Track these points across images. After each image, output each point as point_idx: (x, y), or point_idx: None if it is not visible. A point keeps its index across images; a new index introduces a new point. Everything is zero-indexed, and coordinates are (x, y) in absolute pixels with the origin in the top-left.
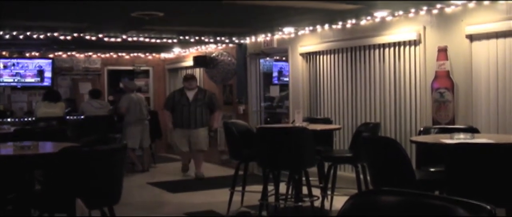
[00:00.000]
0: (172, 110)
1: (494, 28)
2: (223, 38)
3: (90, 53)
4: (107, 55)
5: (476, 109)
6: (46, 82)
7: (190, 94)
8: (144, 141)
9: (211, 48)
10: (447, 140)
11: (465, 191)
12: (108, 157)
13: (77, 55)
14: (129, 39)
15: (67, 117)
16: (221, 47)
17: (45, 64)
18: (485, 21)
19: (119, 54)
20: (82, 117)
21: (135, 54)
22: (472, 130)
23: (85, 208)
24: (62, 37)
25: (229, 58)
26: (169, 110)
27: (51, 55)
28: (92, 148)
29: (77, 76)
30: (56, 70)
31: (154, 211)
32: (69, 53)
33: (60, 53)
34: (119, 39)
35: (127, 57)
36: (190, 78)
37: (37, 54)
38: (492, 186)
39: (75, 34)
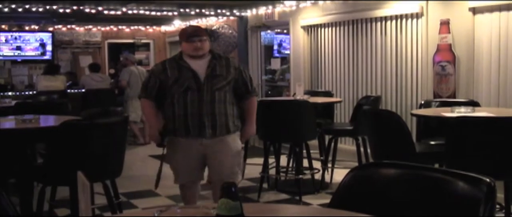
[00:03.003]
0: (158, 100)
1: (498, 1)
2: (224, 11)
3: (90, 26)
4: (107, 28)
5: (477, 83)
6: (47, 56)
7: (198, 65)
8: None
9: (212, 21)
10: (447, 113)
11: (465, 164)
12: (110, 130)
13: (77, 28)
14: (129, 11)
15: (68, 90)
16: (222, 19)
17: (46, 37)
18: None
19: (120, 27)
20: (83, 90)
21: (136, 27)
22: (473, 104)
23: (87, 181)
24: (61, 10)
25: (230, 31)
26: (151, 99)
27: (50, 28)
28: (94, 121)
29: (78, 50)
30: (56, 43)
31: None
32: (69, 26)
33: (59, 26)
34: (119, 12)
35: (127, 30)
36: (196, 33)
37: (36, 27)
38: (492, 159)
39: (75, 7)
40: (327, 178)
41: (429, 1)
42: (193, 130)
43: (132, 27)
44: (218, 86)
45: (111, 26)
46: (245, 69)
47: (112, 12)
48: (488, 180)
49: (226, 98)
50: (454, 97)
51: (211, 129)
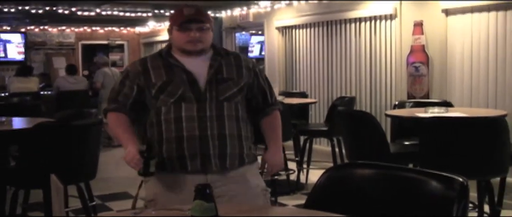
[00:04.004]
0: (134, 116)
1: (470, 3)
2: (172, 12)
3: (63, 27)
4: (81, 29)
5: (451, 83)
6: (19, 57)
7: (196, 65)
8: None
9: None
10: (421, 114)
11: (439, 164)
12: (84, 132)
13: (50, 29)
14: (103, 12)
15: (41, 92)
16: None
17: (17, 38)
18: None
19: (93, 28)
20: (56, 92)
21: (110, 28)
22: (446, 104)
23: (60, 184)
24: (34, 11)
25: None
26: (124, 113)
27: (23, 29)
28: (67, 123)
29: (51, 51)
30: (29, 44)
31: (131, 186)
32: (41, 27)
33: (32, 27)
34: (93, 13)
35: (101, 31)
36: (194, 17)
37: (8, 28)
38: (465, 159)
39: (48, 8)
40: (302, 179)
41: (402, 3)
42: (192, 162)
43: (106, 28)
44: (227, 95)
45: (85, 27)
46: (262, 71)
47: (86, 13)
48: (461, 179)
49: (239, 112)
50: (428, 98)
51: (219, 159)
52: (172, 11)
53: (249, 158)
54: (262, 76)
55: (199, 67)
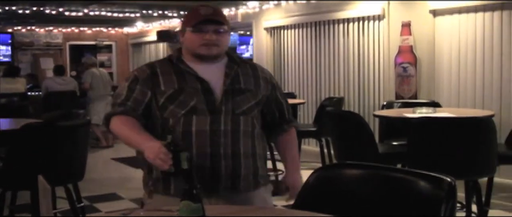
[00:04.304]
0: (144, 119)
1: (457, 4)
2: (186, 12)
3: (51, 28)
4: (69, 29)
5: (438, 84)
6: (6, 58)
7: (210, 73)
8: None
9: (174, 23)
10: (409, 114)
11: (427, 164)
12: (72, 133)
13: (37, 29)
14: (91, 13)
15: (29, 93)
16: None
17: (4, 38)
18: None
19: (81, 28)
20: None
21: (98, 29)
22: (434, 104)
23: (48, 185)
24: (21, 11)
25: None
26: (135, 116)
27: (10, 30)
28: (55, 124)
29: (38, 51)
30: (16, 45)
31: (119, 187)
32: (29, 28)
33: (19, 27)
34: (80, 13)
35: (89, 31)
36: (212, 17)
37: None
38: (453, 159)
39: (35, 8)
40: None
41: (390, 4)
42: (201, 182)
43: (94, 29)
44: (244, 108)
45: (73, 28)
46: (279, 84)
47: (74, 14)
48: (449, 179)
49: (255, 128)
50: (416, 98)
51: (231, 179)
52: (160, 12)
53: (264, 179)
54: (280, 90)
55: (214, 75)
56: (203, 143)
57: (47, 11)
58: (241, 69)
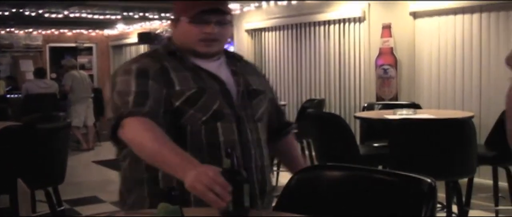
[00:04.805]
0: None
1: (437, 6)
2: (168, 14)
3: (30, 30)
4: (49, 31)
5: (419, 85)
6: None
7: (219, 71)
8: (88, 119)
9: (155, 25)
10: (390, 115)
11: (408, 165)
12: (52, 136)
13: (17, 31)
14: (71, 15)
15: (8, 95)
16: (166, 23)
17: None
18: None
19: (61, 30)
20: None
21: (78, 31)
22: (415, 106)
23: (27, 188)
24: (0, 13)
25: None
26: (156, 119)
27: None
28: (35, 126)
29: (18, 53)
30: None
31: (100, 190)
32: (8, 29)
33: None
34: (60, 15)
35: (69, 33)
36: (215, 7)
37: None
38: (433, 160)
39: (14, 10)
40: (272, 181)
41: (371, 6)
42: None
43: (74, 31)
44: (260, 112)
45: (53, 30)
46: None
47: (54, 15)
48: (429, 180)
49: (263, 133)
50: (396, 100)
51: (261, 199)
52: (141, 14)
53: (271, 188)
54: (271, 88)
55: (223, 73)
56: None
57: (27, 13)
58: (243, 67)
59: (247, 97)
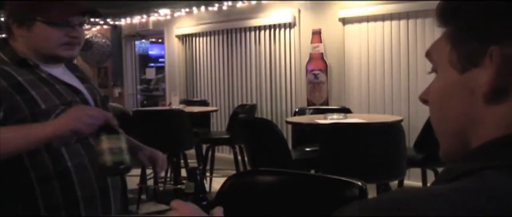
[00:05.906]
0: None
1: (365, 12)
2: (97, 20)
3: None
4: None
5: (349, 90)
6: None
7: (70, 80)
8: None
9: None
10: (321, 120)
11: (339, 169)
12: None
13: None
14: None
15: None
16: (95, 28)
17: None
18: (357, 5)
19: None
20: None
21: None
22: (345, 110)
23: None
24: None
25: (104, 40)
26: None
27: None
28: None
29: None
30: None
31: None
32: None
33: None
34: None
35: None
36: (77, 9)
37: None
38: (364, 163)
39: None
40: (206, 187)
41: (301, 12)
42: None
43: None
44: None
45: None
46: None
47: None
48: (359, 183)
49: None
50: (327, 104)
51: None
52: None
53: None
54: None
55: (75, 82)
56: (89, 168)
57: None
58: (81, 72)
59: (102, 105)
